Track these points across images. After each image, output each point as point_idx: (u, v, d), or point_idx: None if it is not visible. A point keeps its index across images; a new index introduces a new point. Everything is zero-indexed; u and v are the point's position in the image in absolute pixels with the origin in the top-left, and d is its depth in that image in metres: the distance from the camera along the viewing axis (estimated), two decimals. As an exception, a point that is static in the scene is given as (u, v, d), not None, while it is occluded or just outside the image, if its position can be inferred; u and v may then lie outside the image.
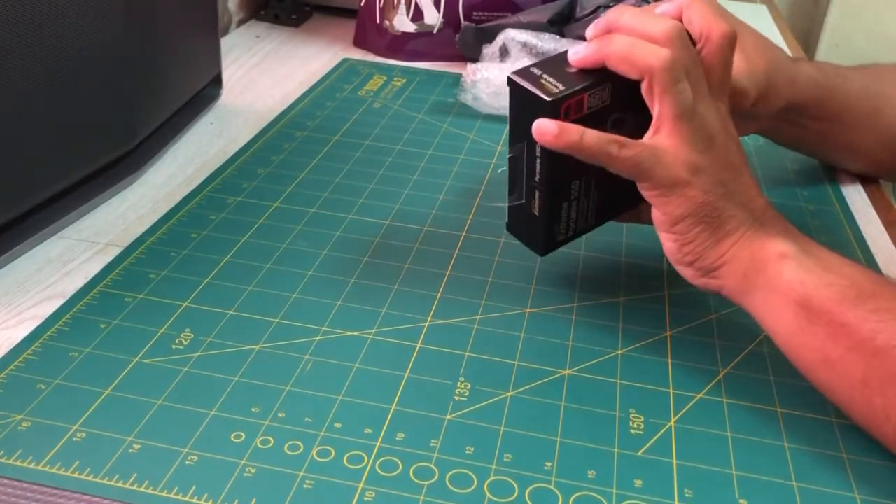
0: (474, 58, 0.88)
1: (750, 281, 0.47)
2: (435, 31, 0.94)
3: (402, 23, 0.94)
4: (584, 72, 0.48)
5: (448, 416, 0.45)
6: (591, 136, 0.46)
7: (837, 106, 0.66)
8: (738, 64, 0.56)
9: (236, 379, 0.47)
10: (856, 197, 0.71)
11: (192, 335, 0.50)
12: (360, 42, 0.99)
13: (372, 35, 0.97)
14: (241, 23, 1.04)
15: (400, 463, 0.42)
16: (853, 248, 0.63)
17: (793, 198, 0.69)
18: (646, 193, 0.48)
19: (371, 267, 0.57)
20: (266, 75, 0.89)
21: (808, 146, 0.71)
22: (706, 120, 0.47)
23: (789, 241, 0.47)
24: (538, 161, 0.49)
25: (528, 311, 0.54)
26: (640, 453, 0.44)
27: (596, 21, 0.51)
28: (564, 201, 0.50)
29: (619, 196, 0.52)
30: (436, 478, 0.41)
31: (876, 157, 0.70)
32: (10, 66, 0.51)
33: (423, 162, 0.71)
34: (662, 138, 0.47)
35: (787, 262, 0.46)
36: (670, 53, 0.46)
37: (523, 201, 0.51)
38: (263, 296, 0.53)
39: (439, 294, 0.55)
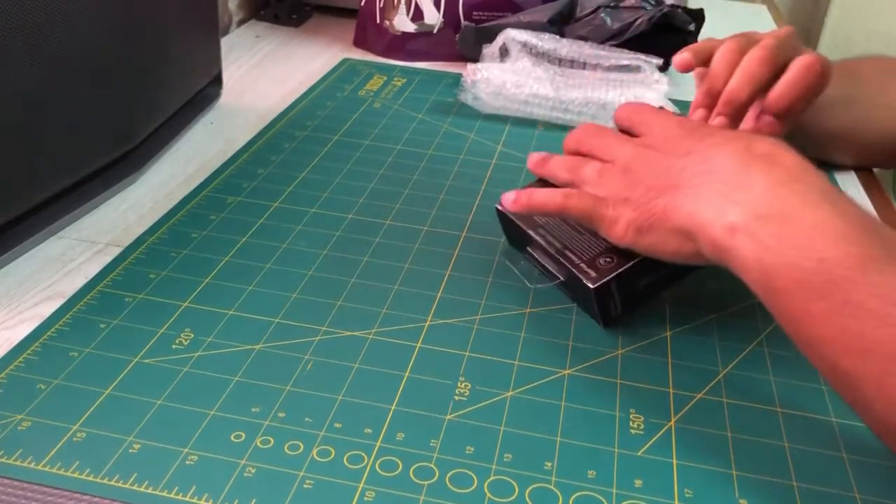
0: (474, 58, 0.88)
1: (718, 257, 0.44)
2: (435, 31, 0.94)
3: (402, 23, 0.94)
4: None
5: (448, 416, 0.45)
6: (542, 193, 0.52)
7: (818, 117, 0.65)
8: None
9: (236, 379, 0.47)
10: (854, 194, 0.71)
11: (192, 335, 0.50)
12: (360, 42, 0.99)
13: (372, 35, 0.97)
14: (241, 23, 1.04)
15: (400, 463, 0.42)
16: (853, 248, 0.63)
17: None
18: (603, 235, 0.51)
19: (371, 267, 0.57)
20: (266, 75, 0.89)
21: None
22: (618, 164, 0.50)
23: (735, 205, 0.42)
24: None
25: (528, 311, 0.54)
26: (640, 453, 0.44)
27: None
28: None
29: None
30: (436, 478, 0.41)
31: (856, 147, 0.70)
32: (9, 66, 0.51)
33: (423, 162, 0.71)
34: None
35: (737, 238, 0.42)
36: (551, 198, 0.51)
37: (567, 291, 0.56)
38: (263, 296, 0.53)
39: (439, 294, 0.55)
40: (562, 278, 0.53)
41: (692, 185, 0.46)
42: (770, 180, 0.43)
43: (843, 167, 0.74)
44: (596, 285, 0.50)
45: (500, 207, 0.57)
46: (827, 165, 0.74)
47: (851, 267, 0.38)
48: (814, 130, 0.67)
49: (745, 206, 0.42)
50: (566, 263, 0.52)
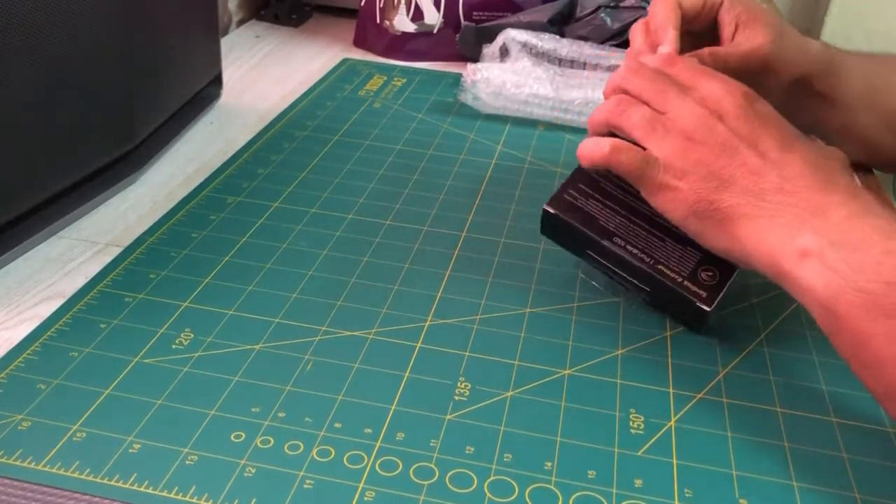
0: (474, 58, 0.88)
1: (775, 277, 0.44)
2: (435, 31, 0.94)
3: (402, 23, 0.94)
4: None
5: (448, 416, 0.45)
6: (587, 143, 0.51)
7: (838, 82, 0.64)
8: (749, 31, 0.58)
9: (236, 379, 0.47)
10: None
11: (192, 335, 0.50)
12: (360, 42, 0.99)
13: (372, 35, 0.96)
14: (240, 23, 1.04)
15: (400, 463, 0.42)
16: (853, 248, 0.63)
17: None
18: (645, 197, 0.49)
19: (371, 267, 0.57)
20: (266, 75, 0.89)
21: (804, 129, 0.71)
22: (678, 124, 0.47)
23: (811, 232, 0.42)
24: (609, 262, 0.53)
25: (528, 311, 0.54)
26: (640, 453, 0.44)
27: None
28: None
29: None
30: (436, 478, 0.41)
31: (871, 141, 0.69)
32: (9, 67, 0.51)
33: (423, 162, 0.71)
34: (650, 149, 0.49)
35: (807, 263, 0.42)
36: (596, 147, 0.49)
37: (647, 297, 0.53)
38: (263, 296, 0.53)
39: (439, 294, 0.55)
40: (648, 289, 0.51)
41: (769, 201, 0.44)
42: (848, 211, 0.42)
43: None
44: (712, 307, 0.49)
45: (551, 210, 0.53)
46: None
47: None
48: (828, 114, 0.66)
49: (821, 234, 0.42)
50: (664, 280, 0.50)
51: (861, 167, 0.73)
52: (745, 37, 0.58)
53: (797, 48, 0.61)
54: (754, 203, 0.45)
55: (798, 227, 0.43)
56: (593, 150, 0.49)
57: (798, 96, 0.64)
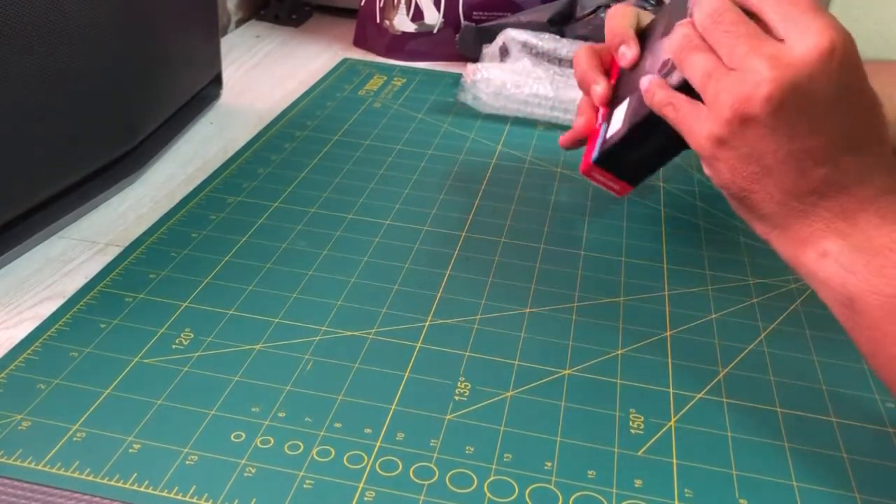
0: (474, 58, 0.88)
1: (792, 265, 0.44)
2: (435, 31, 0.94)
3: (402, 23, 0.94)
4: None
5: (448, 416, 0.45)
6: (645, 81, 0.48)
7: None
8: None
9: (236, 379, 0.47)
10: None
11: (192, 335, 0.50)
12: (360, 42, 0.99)
13: (372, 35, 0.97)
14: (239, 23, 1.04)
15: (400, 463, 0.42)
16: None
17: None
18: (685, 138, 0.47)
19: (371, 267, 0.57)
20: (266, 75, 0.89)
21: None
22: (733, 91, 0.41)
23: (837, 236, 0.41)
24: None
25: (528, 311, 0.54)
26: (640, 453, 0.44)
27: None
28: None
29: None
30: (436, 478, 0.41)
31: None
32: (9, 67, 0.51)
33: (423, 162, 0.71)
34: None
35: (826, 262, 0.42)
36: (651, 85, 0.47)
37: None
38: (263, 296, 0.53)
39: (439, 294, 0.55)
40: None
41: (804, 202, 0.42)
42: (879, 217, 0.41)
43: None
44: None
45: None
46: None
47: None
48: None
49: (846, 238, 0.41)
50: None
51: None
52: None
53: None
54: (786, 201, 0.42)
55: (824, 231, 0.42)
56: (647, 90, 0.48)
57: None
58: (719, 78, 0.42)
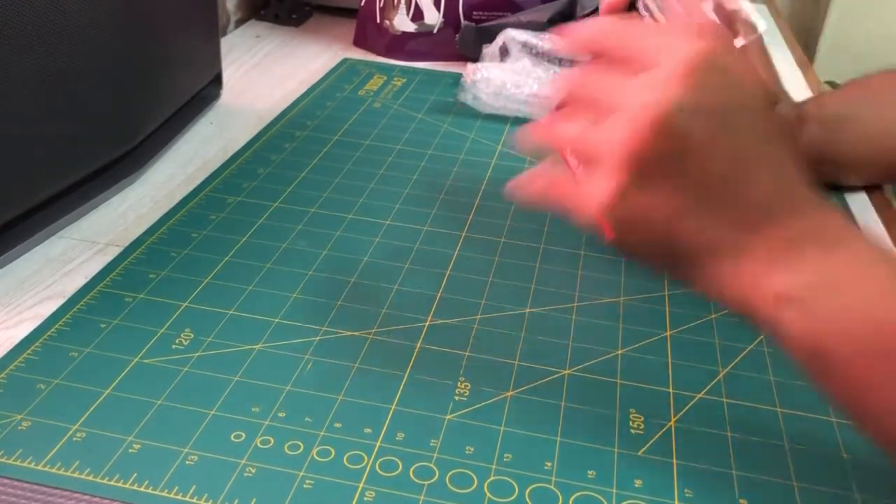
0: (474, 58, 0.88)
1: (747, 317, 0.38)
2: (435, 31, 0.94)
3: (402, 23, 0.94)
4: None
5: (448, 416, 0.45)
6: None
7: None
8: None
9: (236, 379, 0.47)
10: (855, 196, 0.71)
11: (192, 335, 0.50)
12: (360, 42, 0.99)
13: (372, 35, 0.97)
14: (239, 23, 1.04)
15: (400, 463, 0.42)
16: (853, 248, 0.63)
17: (793, 198, 0.69)
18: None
19: (371, 267, 0.57)
20: (266, 75, 0.89)
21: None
22: (616, 124, 0.37)
23: (785, 271, 0.36)
24: None
25: (528, 311, 0.54)
26: (640, 453, 0.44)
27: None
28: None
29: None
30: (436, 478, 0.41)
31: (852, 168, 0.70)
32: (9, 67, 0.51)
33: (423, 162, 0.71)
34: None
35: (784, 309, 0.36)
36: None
37: None
38: (263, 296, 0.53)
39: (439, 294, 0.55)
40: None
41: (732, 232, 0.37)
42: (822, 243, 0.36)
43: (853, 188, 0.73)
44: None
45: None
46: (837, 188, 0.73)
47: None
48: (828, 153, 0.66)
49: (796, 274, 0.36)
50: None
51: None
52: None
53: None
54: (719, 239, 0.37)
55: (769, 266, 0.36)
56: (522, 191, 0.42)
57: None
58: (595, 132, 0.38)
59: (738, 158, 0.37)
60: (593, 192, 0.38)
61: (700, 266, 0.38)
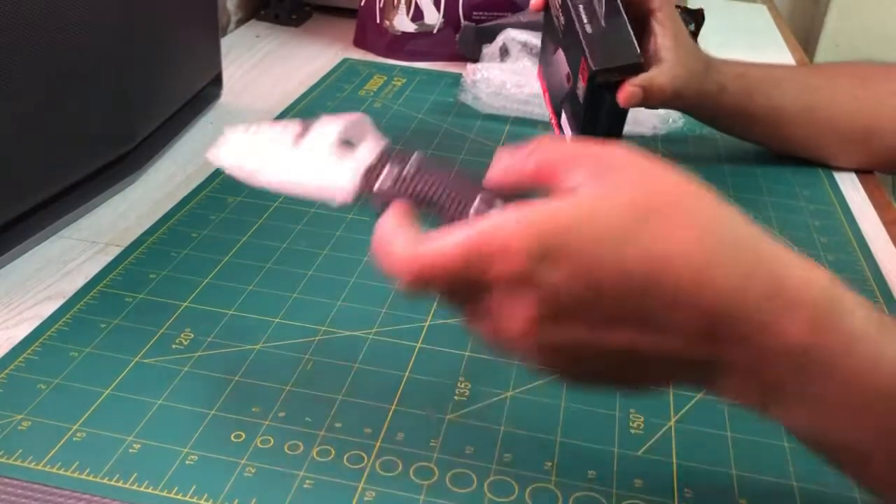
0: (474, 58, 0.88)
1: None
2: (435, 31, 0.94)
3: (402, 23, 0.94)
4: None
5: (448, 416, 0.45)
6: None
7: (766, 107, 0.70)
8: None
9: (236, 379, 0.47)
10: (855, 196, 0.71)
11: (192, 335, 0.50)
12: (360, 42, 0.99)
13: (372, 35, 0.96)
14: (239, 23, 1.04)
15: (400, 463, 0.42)
16: (853, 248, 0.63)
17: (793, 197, 0.69)
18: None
19: (371, 267, 0.57)
20: (266, 75, 0.89)
21: (753, 138, 0.76)
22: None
23: (775, 403, 0.32)
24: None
25: (528, 311, 0.54)
26: (640, 453, 0.44)
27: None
28: None
29: None
30: (436, 478, 0.41)
31: (825, 150, 0.73)
32: (9, 67, 0.51)
33: (423, 162, 0.71)
34: None
35: (780, 416, 0.33)
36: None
37: None
38: (263, 296, 0.53)
39: (439, 294, 0.55)
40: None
41: (710, 355, 0.31)
42: (801, 375, 0.31)
43: (847, 172, 0.74)
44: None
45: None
46: (828, 167, 0.74)
47: None
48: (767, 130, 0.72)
49: (782, 409, 0.32)
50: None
51: (866, 179, 0.74)
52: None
53: (714, 84, 0.68)
54: (678, 364, 0.32)
55: (747, 388, 0.32)
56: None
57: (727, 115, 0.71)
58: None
59: (620, 298, 0.30)
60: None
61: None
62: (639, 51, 0.59)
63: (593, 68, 0.58)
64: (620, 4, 0.59)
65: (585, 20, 0.59)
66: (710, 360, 0.31)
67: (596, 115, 0.61)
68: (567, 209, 0.31)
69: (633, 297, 0.30)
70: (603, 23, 0.59)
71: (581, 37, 0.59)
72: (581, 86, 0.60)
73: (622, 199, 0.31)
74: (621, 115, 0.62)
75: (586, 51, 0.58)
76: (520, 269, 0.31)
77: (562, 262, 0.30)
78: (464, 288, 0.33)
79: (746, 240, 0.32)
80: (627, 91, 0.59)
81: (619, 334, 0.31)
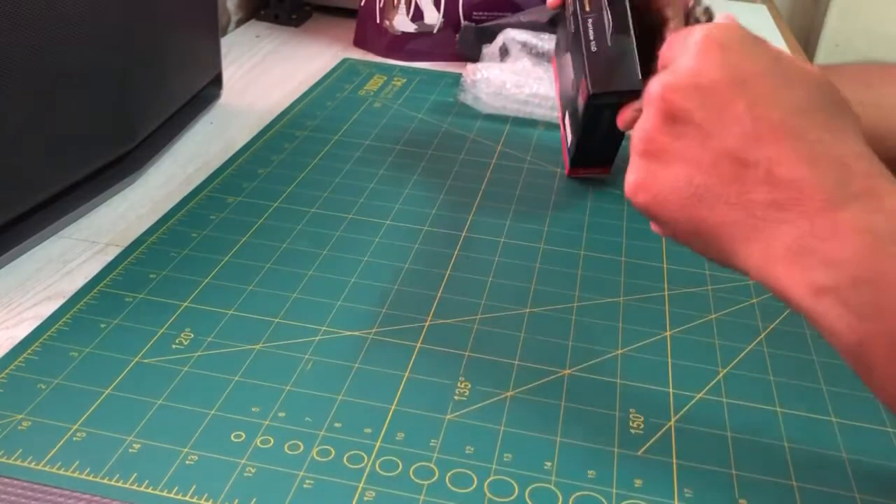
0: (474, 58, 0.88)
1: (789, 306, 0.35)
2: (435, 31, 0.94)
3: (402, 23, 0.94)
4: None
5: (448, 416, 0.45)
6: None
7: None
8: None
9: (236, 379, 0.47)
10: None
11: (192, 335, 0.50)
12: (360, 42, 0.99)
13: (372, 35, 0.96)
14: (239, 23, 1.04)
15: (400, 463, 0.42)
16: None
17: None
18: None
19: (371, 267, 0.57)
20: (266, 75, 0.89)
21: None
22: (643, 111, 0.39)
23: (823, 264, 0.33)
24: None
25: (528, 311, 0.54)
26: (640, 453, 0.44)
27: None
28: None
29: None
30: (436, 478, 0.41)
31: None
32: (9, 67, 0.51)
33: (423, 162, 0.71)
34: None
35: (823, 302, 0.33)
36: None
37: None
38: (263, 296, 0.53)
39: (439, 294, 0.55)
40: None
41: (761, 218, 0.34)
42: (872, 237, 0.33)
43: None
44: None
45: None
46: None
47: None
48: None
49: (836, 268, 0.33)
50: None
51: None
52: None
53: None
54: (744, 220, 0.35)
55: (807, 257, 0.34)
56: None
57: None
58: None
59: (753, 133, 0.35)
60: (627, 180, 0.39)
61: (729, 252, 0.36)
62: (640, 77, 0.58)
63: (591, 91, 0.58)
64: (630, 20, 0.58)
65: (592, 37, 0.59)
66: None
67: (592, 132, 0.62)
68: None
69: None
70: (609, 41, 0.58)
71: (585, 56, 0.58)
72: (581, 102, 0.60)
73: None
74: (620, 134, 0.62)
75: (587, 71, 0.58)
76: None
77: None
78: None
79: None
80: (627, 116, 0.58)
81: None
